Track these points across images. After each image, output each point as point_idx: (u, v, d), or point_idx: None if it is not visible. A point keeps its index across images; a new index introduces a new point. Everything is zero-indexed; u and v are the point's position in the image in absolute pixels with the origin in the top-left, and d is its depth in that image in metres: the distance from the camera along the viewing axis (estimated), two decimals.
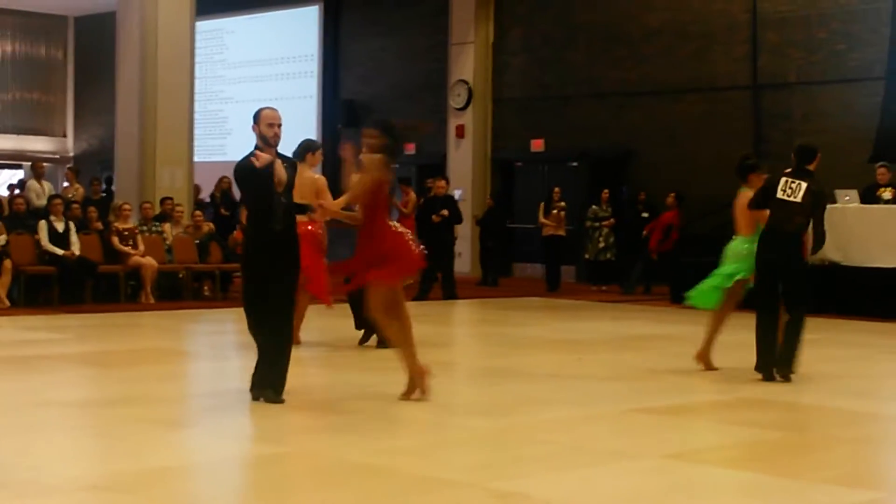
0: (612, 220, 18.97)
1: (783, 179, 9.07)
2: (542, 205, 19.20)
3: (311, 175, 10.33)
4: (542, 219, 19.13)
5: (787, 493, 5.66)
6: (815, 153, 9.20)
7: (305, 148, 10.54)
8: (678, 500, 5.51)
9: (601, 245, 18.98)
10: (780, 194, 9.03)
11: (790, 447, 6.89)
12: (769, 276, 9.06)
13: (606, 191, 19.17)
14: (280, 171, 7.53)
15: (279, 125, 7.70)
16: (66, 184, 19.03)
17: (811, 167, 9.16)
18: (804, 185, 9.01)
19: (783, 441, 7.03)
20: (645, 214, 18.79)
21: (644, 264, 18.26)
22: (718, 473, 6.00)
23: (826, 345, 11.70)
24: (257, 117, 7.75)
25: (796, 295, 9.06)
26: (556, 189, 19.24)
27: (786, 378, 8.99)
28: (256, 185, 7.58)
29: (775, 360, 9.05)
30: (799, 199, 8.97)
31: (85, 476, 5.69)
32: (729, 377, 9.28)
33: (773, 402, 8.29)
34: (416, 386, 7.87)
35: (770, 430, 7.32)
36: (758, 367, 9.11)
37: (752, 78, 19.29)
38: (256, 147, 7.68)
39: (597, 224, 19.02)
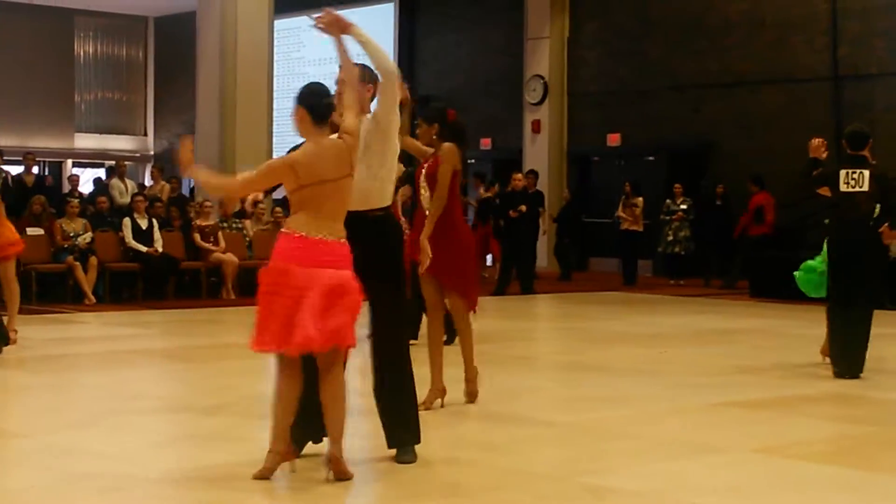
0: (679, 213, 18.78)
1: (843, 171, 8.81)
2: (622, 199, 19.13)
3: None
4: (620, 212, 19.06)
5: (881, 488, 5.60)
6: (867, 138, 8.94)
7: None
8: (769, 494, 5.46)
9: (669, 238, 18.84)
10: (843, 187, 8.78)
11: (881, 442, 6.79)
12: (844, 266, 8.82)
13: (679, 185, 19.01)
14: None
15: None
16: (151, 182, 19.31)
17: (865, 153, 8.91)
18: (866, 172, 8.77)
19: (873, 436, 6.93)
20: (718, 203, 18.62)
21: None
22: (809, 468, 5.93)
23: None
24: None
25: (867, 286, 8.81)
26: (627, 183, 19.14)
27: (854, 375, 8.76)
28: None
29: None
30: (866, 188, 8.74)
31: (177, 468, 5.78)
32: (813, 372, 9.18)
33: (860, 398, 8.18)
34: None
35: (859, 424, 7.23)
36: (838, 367, 8.84)
37: (833, 69, 18.99)
38: None
39: (668, 218, 18.90)
